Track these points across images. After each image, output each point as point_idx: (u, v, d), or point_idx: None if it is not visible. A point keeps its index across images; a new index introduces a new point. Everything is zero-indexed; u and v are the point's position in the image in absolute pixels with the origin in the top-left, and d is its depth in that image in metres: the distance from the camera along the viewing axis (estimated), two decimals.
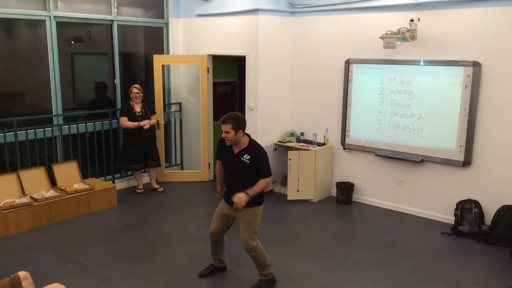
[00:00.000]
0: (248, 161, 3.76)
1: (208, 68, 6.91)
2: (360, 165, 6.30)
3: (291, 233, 5.38)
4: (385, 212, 5.99)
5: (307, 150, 6.29)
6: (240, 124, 3.73)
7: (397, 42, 5.45)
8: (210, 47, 6.87)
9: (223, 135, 3.76)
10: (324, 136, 6.48)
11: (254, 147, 3.85)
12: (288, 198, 6.31)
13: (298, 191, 6.30)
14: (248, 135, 3.87)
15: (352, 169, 6.38)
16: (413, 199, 5.88)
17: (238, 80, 7.71)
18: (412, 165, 5.81)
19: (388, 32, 5.48)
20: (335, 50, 6.24)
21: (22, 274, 3.17)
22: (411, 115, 5.72)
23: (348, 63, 6.13)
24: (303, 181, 6.26)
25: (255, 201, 3.79)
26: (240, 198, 3.67)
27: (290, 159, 6.23)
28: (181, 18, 7.16)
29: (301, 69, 6.65)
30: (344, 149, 6.40)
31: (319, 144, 6.42)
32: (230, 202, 3.83)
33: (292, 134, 6.74)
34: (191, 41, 7.13)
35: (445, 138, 5.49)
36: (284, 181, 6.73)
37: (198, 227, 5.47)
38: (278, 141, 6.65)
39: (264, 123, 6.50)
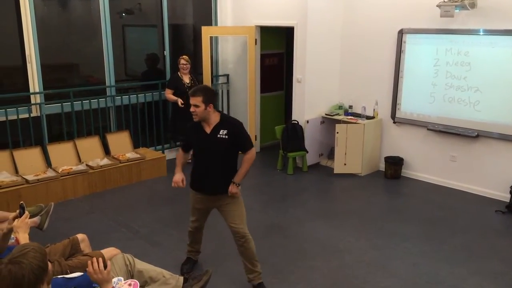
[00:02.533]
0: (226, 136, 3.31)
1: (256, 39, 6.86)
2: (410, 139, 6.12)
3: (337, 206, 5.35)
4: (435, 188, 5.82)
5: (355, 123, 6.17)
6: (210, 97, 3.30)
7: (455, 10, 5.15)
8: (258, 18, 6.79)
9: (192, 109, 3.29)
10: (374, 109, 6.32)
11: (228, 120, 3.42)
12: (335, 172, 6.25)
13: (345, 164, 6.22)
14: (220, 111, 3.46)
15: (402, 143, 6.21)
16: (466, 175, 5.66)
17: (286, 52, 7.61)
18: (467, 140, 5.58)
19: (445, 0, 5.19)
20: (388, 19, 6.00)
21: (80, 236, 3.36)
22: (468, 88, 5.45)
23: (401, 33, 5.89)
24: (351, 155, 6.17)
25: (237, 183, 3.40)
26: (234, 193, 3.38)
27: (337, 132, 6.14)
28: None
29: (351, 40, 6.46)
30: (394, 122, 6.22)
31: (368, 118, 6.28)
32: (201, 190, 3.49)
33: (340, 107, 6.62)
34: (239, 12, 7.08)
35: (504, 113, 5.20)
36: (331, 154, 6.66)
37: (244, 197, 5.49)
38: (326, 114, 6.55)
39: (312, 96, 6.41)
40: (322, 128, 6.60)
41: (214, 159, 3.39)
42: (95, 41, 6.06)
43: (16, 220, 2.69)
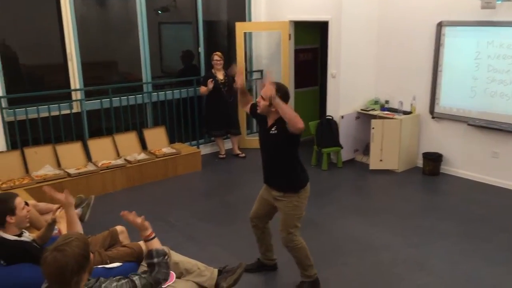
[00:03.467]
0: (276, 131, 3.20)
1: (289, 34, 6.83)
2: (450, 135, 5.94)
3: (373, 203, 5.28)
4: (476, 185, 5.64)
5: (392, 118, 6.05)
6: (287, 95, 3.20)
7: (497, 2, 4.97)
8: (292, 13, 6.76)
9: (258, 99, 3.22)
10: (411, 104, 6.17)
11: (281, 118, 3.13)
12: (371, 168, 6.16)
13: (381, 160, 6.12)
14: None
15: (440, 139, 6.04)
16: (509, 172, 5.45)
17: (321, 47, 7.54)
18: (510, 136, 5.37)
19: None
20: (426, 12, 5.84)
21: (119, 228, 3.47)
22: (511, 82, 5.24)
23: (440, 25, 5.72)
24: (387, 151, 6.06)
25: (290, 188, 3.26)
26: (269, 89, 3.06)
27: (373, 128, 6.04)
28: None
29: (387, 34, 6.33)
30: (432, 118, 6.06)
31: (405, 113, 6.14)
32: (269, 185, 3.40)
33: (376, 102, 6.51)
34: (273, 8, 7.06)
35: None
36: (366, 150, 6.56)
37: None
38: (361, 109, 6.46)
39: (347, 91, 6.33)
40: (357, 124, 6.51)
41: (268, 153, 3.36)
42: (132, 38, 6.20)
43: (59, 210, 2.80)
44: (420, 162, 6.20)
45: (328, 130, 6.27)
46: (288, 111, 3.02)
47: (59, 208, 2.83)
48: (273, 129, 3.22)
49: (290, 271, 3.67)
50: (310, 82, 7.64)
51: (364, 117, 6.47)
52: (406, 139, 6.08)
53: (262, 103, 3.17)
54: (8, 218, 2.63)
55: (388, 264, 3.89)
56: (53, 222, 2.87)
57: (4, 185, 4.84)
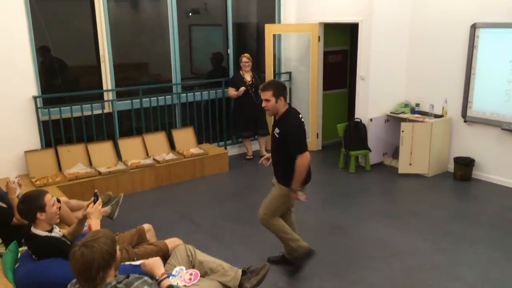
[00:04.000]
0: (278, 135, 3.37)
1: (319, 36, 6.80)
2: (483, 139, 5.78)
3: (401, 207, 5.19)
4: (509, 191, 5.46)
5: (422, 122, 5.93)
6: (281, 91, 3.37)
7: None
8: (321, 15, 6.72)
9: (263, 104, 3.41)
10: (443, 108, 6.04)
11: (283, 118, 3.40)
12: (399, 172, 6.06)
13: (410, 164, 6.01)
14: (288, 107, 3.47)
15: (473, 143, 5.88)
16: None
17: (351, 49, 7.47)
18: None
19: None
20: (460, 13, 5.70)
21: (146, 226, 3.53)
22: None
23: (474, 27, 5.58)
24: (417, 155, 5.94)
25: (284, 181, 3.47)
26: (296, 198, 3.46)
27: (402, 131, 5.94)
28: None
29: (419, 36, 6.21)
30: (465, 121, 5.91)
31: (436, 116, 6.01)
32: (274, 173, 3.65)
33: (406, 105, 6.39)
34: (302, 10, 7.04)
35: None
36: (395, 154, 6.46)
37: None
38: (391, 112, 6.36)
39: (376, 94, 6.25)
40: (386, 127, 6.42)
41: (272, 150, 3.62)
42: (163, 40, 6.31)
43: (90, 206, 2.88)
44: (451, 167, 6.05)
45: (356, 132, 6.20)
46: (300, 176, 3.37)
47: (89, 204, 2.91)
48: (275, 131, 3.45)
49: (315, 269, 3.64)
50: (339, 84, 7.58)
51: (394, 120, 6.37)
52: (437, 143, 5.94)
53: (269, 104, 3.39)
54: (39, 215, 2.71)
55: (416, 269, 3.81)
56: (84, 218, 2.95)
57: (38, 182, 5.00)
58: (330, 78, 7.24)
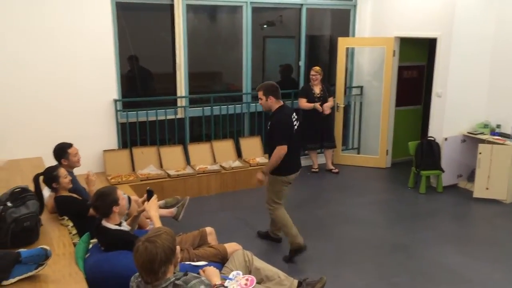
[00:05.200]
0: (269, 128, 4.04)
1: (394, 51, 6.63)
2: None
3: (474, 233, 4.88)
4: None
5: (502, 144, 5.55)
6: (270, 90, 3.98)
7: None
8: (398, 29, 6.55)
9: (259, 102, 4.09)
10: None
11: (274, 113, 4.04)
12: (475, 196, 5.70)
13: (487, 189, 5.63)
14: (281, 104, 4.05)
15: None
16: None
17: (428, 64, 7.19)
18: None
19: None
20: None
21: (208, 229, 3.63)
22: None
23: None
24: (495, 179, 5.56)
25: (273, 171, 4.04)
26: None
27: (480, 153, 5.59)
28: None
29: (503, 52, 5.84)
30: None
31: None
32: None
33: (485, 126, 6.01)
34: (378, 23, 6.91)
35: None
36: (471, 177, 6.09)
37: (369, 212, 5.39)
38: (468, 132, 6.02)
39: (453, 112, 5.95)
40: (462, 147, 6.08)
41: (267, 142, 4.29)
42: (237, 51, 6.48)
43: (146, 202, 3.05)
44: None
45: (429, 152, 5.94)
46: (271, 163, 3.98)
47: (144, 200, 3.12)
48: (268, 123, 4.08)
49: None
50: (413, 101, 7.31)
51: (471, 141, 6.02)
52: None
53: (262, 102, 4.03)
54: (114, 208, 2.89)
55: None
56: (138, 214, 3.13)
57: (112, 180, 5.32)
58: (404, 94, 7.01)
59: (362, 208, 5.46)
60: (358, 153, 7.41)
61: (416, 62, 7.17)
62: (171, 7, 5.83)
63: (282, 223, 4.16)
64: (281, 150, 3.90)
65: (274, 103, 4.02)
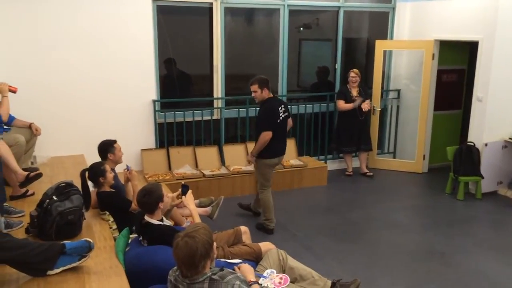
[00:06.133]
0: (257, 115, 4.63)
1: (433, 54, 6.50)
2: None
3: None
4: None
5: None
6: (264, 83, 4.48)
7: None
8: (438, 32, 6.43)
9: (252, 94, 4.54)
10: None
11: (262, 103, 4.53)
12: None
13: None
14: (273, 96, 4.59)
15: None
16: None
17: (468, 68, 7.01)
18: None
19: None
20: None
21: (243, 228, 3.68)
22: None
23: None
24: None
25: (259, 155, 4.59)
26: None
27: None
28: (408, 2, 6.89)
29: None
30: None
31: None
32: None
33: None
34: (417, 26, 6.80)
35: None
36: (511, 184, 5.90)
37: (404, 217, 5.31)
38: (510, 138, 5.83)
39: (494, 116, 5.79)
40: (503, 153, 5.90)
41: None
42: (273, 53, 6.52)
43: (181, 197, 3.21)
44: None
45: (468, 157, 5.79)
46: (257, 147, 4.55)
47: (179, 195, 3.25)
48: (258, 112, 4.66)
49: None
50: (453, 105, 7.15)
51: None
52: None
53: (257, 95, 4.50)
54: (160, 205, 2.99)
55: None
56: (172, 208, 3.23)
57: (150, 178, 5.46)
58: (443, 98, 6.87)
59: (397, 213, 5.39)
60: (394, 157, 7.31)
61: (456, 65, 7.01)
62: (209, 10, 5.94)
63: (266, 205, 4.74)
64: (266, 136, 4.44)
65: (266, 95, 4.52)
